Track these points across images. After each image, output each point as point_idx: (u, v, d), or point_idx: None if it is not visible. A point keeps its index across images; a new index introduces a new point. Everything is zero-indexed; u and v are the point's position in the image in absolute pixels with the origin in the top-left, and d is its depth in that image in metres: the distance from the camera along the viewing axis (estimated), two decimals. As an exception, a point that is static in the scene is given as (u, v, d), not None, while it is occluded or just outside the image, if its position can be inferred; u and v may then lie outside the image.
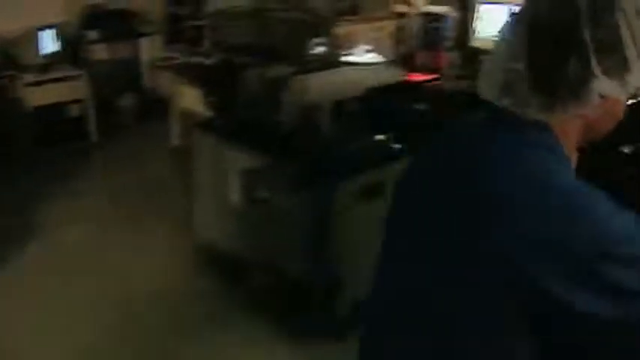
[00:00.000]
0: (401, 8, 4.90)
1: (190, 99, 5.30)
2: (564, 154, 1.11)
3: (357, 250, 3.39)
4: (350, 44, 4.76)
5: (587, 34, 1.04)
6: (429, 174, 1.21)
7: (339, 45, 4.63)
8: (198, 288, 3.90)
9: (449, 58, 4.73)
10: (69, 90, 6.21)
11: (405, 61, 4.70)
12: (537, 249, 0.98)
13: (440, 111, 3.43)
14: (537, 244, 0.99)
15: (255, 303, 3.65)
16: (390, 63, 4.44)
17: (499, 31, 1.16)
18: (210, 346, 3.39)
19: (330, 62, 4.22)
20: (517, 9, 1.16)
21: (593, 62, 1.04)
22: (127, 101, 7.00)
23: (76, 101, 6.29)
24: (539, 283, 0.98)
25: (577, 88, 1.05)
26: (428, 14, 4.95)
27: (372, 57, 4.57)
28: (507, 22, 1.14)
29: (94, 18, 6.83)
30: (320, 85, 3.60)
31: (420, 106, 3.58)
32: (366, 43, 4.82)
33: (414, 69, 4.54)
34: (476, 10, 5.10)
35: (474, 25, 5.11)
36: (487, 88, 1.14)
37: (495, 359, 1.07)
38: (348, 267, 3.32)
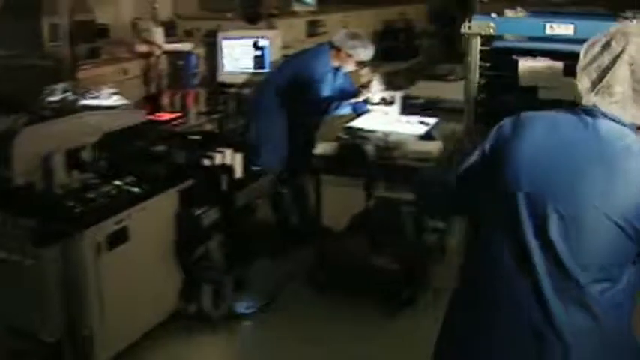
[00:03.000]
0: (143, 48, 4.87)
1: None
2: None
3: (108, 301, 3.28)
4: (94, 88, 4.63)
5: None
6: (557, 150, 1.64)
7: (82, 89, 4.48)
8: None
9: (196, 95, 4.79)
10: None
11: (151, 101, 4.67)
12: None
13: (178, 151, 3.43)
14: None
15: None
16: (134, 104, 4.38)
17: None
18: None
19: (71, 108, 4.06)
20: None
21: None
22: None
23: None
24: None
25: None
26: (172, 53, 4.97)
27: (116, 99, 4.48)
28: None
29: None
30: (55, 133, 3.45)
31: (159, 148, 3.56)
32: (112, 86, 4.72)
33: (159, 108, 4.52)
34: (220, 46, 5.22)
35: (219, 60, 5.23)
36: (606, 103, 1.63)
37: None
38: (100, 320, 3.20)
